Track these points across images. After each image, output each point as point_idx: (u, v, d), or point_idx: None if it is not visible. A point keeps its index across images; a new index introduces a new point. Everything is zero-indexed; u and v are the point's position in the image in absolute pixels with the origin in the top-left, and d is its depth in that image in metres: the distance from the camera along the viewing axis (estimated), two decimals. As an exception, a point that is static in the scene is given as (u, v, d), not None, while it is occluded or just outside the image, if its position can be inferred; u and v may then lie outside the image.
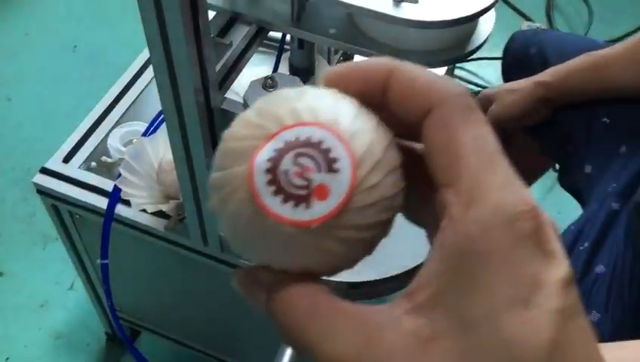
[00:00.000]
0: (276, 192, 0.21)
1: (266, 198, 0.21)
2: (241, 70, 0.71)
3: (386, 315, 0.21)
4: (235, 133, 0.23)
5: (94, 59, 1.71)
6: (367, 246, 0.23)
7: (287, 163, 0.21)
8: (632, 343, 0.35)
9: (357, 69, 0.23)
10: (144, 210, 0.83)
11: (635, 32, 1.64)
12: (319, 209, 0.21)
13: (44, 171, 0.87)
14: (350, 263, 0.23)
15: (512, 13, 1.72)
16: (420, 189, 0.23)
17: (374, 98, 0.23)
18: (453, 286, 0.20)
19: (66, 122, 1.51)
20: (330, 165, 0.21)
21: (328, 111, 0.22)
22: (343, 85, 0.23)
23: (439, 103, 0.21)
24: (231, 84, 0.70)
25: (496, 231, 0.19)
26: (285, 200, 0.21)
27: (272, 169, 0.21)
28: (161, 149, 0.84)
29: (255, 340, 0.99)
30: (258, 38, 0.72)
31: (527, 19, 1.73)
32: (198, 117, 0.64)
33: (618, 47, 0.83)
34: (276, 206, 0.21)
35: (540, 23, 1.72)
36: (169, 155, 0.81)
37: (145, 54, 1.02)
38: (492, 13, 0.71)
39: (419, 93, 0.22)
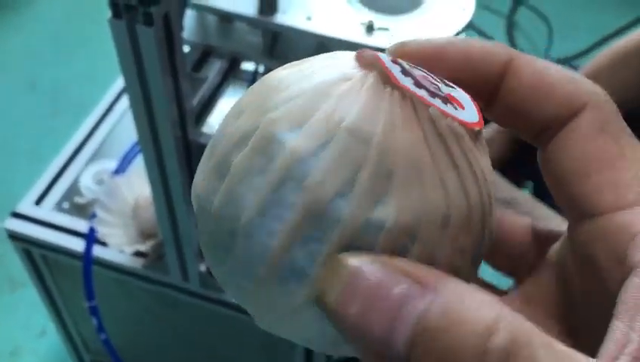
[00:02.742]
0: (408, 76, 0.16)
1: (402, 81, 0.16)
2: (216, 103, 0.71)
3: None
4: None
5: (55, 96, 1.68)
6: (484, 238, 0.17)
7: (408, 67, 0.17)
8: None
9: (457, 49, 0.18)
10: (122, 250, 0.81)
11: (593, 47, 1.69)
12: (467, 114, 0.16)
13: (16, 215, 0.85)
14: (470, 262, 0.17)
15: (475, 34, 1.75)
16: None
17: (480, 89, 0.18)
18: None
19: (30, 163, 1.48)
20: (452, 97, 0.17)
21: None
22: (434, 65, 0.18)
23: (593, 106, 0.17)
24: (207, 118, 0.70)
25: None
26: (420, 88, 0.16)
27: (396, 62, 0.17)
28: (135, 186, 0.83)
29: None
30: (232, 71, 0.72)
31: (490, 39, 1.77)
32: (176, 152, 0.63)
33: (593, 66, 0.82)
34: (419, 92, 0.16)
35: (503, 43, 1.75)
36: (145, 192, 0.79)
37: (112, 90, 1.01)
38: (463, 35, 0.72)
39: (561, 89, 0.17)
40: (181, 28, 0.58)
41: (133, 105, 0.59)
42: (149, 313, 0.95)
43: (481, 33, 1.77)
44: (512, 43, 1.81)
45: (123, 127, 0.95)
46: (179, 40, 0.57)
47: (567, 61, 1.70)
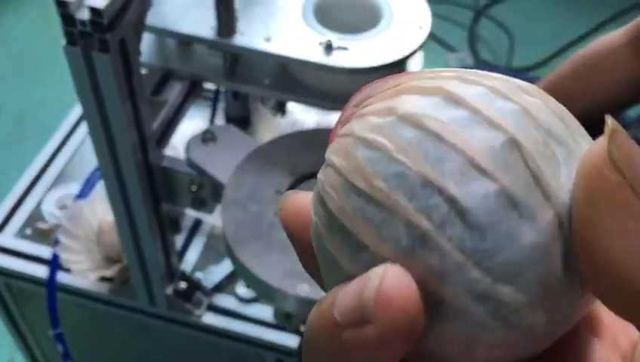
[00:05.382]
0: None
1: None
2: (177, 126, 0.71)
3: None
4: None
5: (20, 120, 1.66)
6: None
7: None
8: None
9: None
10: (86, 277, 0.80)
11: (555, 55, 1.72)
12: None
13: (-24, 244, 0.84)
14: None
15: (437, 45, 1.77)
16: None
17: None
18: None
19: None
20: None
21: None
22: None
23: None
24: (168, 141, 0.70)
25: None
26: None
27: None
28: (98, 210, 0.82)
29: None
30: (193, 92, 0.72)
31: (452, 50, 1.79)
32: (138, 176, 0.63)
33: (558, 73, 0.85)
34: None
35: (466, 53, 1.78)
36: (108, 216, 0.79)
37: (74, 113, 1.00)
38: (420, 52, 0.73)
39: None
40: (139, 52, 0.57)
41: (92, 131, 0.59)
42: (117, 338, 0.94)
43: (444, 45, 1.80)
44: (475, 54, 1.83)
45: (86, 150, 0.94)
46: (136, 65, 0.57)
47: (529, 70, 1.74)
